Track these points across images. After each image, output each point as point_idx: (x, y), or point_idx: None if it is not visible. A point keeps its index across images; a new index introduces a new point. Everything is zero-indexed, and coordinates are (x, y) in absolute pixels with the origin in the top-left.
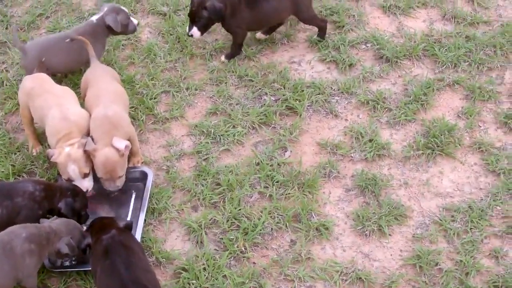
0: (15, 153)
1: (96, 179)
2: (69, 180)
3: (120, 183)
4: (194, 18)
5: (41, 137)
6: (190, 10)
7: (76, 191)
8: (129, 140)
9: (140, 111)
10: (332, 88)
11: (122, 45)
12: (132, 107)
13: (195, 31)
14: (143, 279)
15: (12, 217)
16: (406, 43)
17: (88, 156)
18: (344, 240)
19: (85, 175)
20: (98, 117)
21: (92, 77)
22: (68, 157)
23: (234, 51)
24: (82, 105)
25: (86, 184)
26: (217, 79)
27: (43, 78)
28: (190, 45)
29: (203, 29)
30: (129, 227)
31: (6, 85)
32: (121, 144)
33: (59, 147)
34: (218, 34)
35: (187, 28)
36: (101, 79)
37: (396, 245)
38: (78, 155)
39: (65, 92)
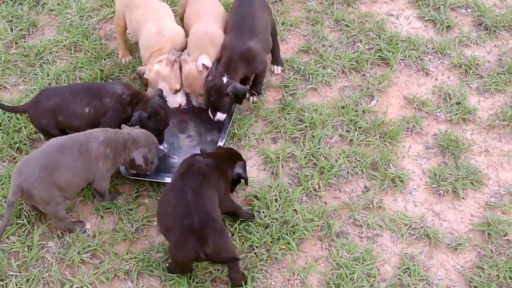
0: (104, 59)
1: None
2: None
3: (202, 100)
4: (216, 107)
5: (131, 48)
6: (209, 100)
7: (156, 111)
8: None
9: None
10: (426, 46)
11: None
12: None
13: (220, 115)
14: (208, 208)
15: (99, 116)
16: (507, 14)
17: (178, 72)
18: (417, 196)
19: (176, 91)
20: (198, 33)
21: None
22: (157, 75)
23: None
24: (177, 23)
25: (179, 99)
26: (314, 19)
27: None
28: None
29: (229, 110)
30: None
31: None
32: (204, 61)
33: (149, 63)
34: None
35: (210, 113)
36: None
37: (468, 209)
38: (166, 73)
39: (163, 8)
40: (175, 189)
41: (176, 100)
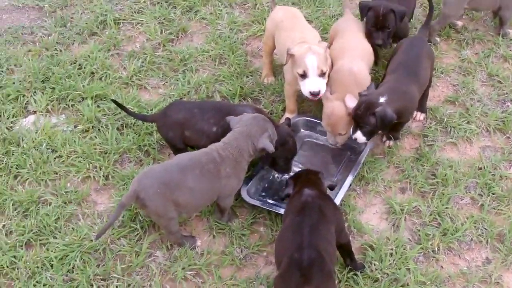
0: (247, 76)
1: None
2: (304, 74)
3: (340, 140)
4: (359, 122)
5: (275, 69)
6: (355, 112)
7: (284, 140)
8: None
9: None
10: None
11: None
12: None
13: (359, 135)
14: (321, 248)
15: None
16: None
17: (329, 58)
18: None
19: (321, 73)
20: (342, 70)
21: (343, 28)
22: (309, 49)
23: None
24: None
25: (320, 84)
26: (466, 70)
27: (295, 13)
28: (448, 26)
29: (369, 136)
30: (332, 188)
31: (258, 8)
32: (353, 103)
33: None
34: (480, 24)
35: (352, 130)
36: (352, 33)
37: None
38: (320, 51)
39: (312, 33)
40: (293, 225)
41: (316, 84)
